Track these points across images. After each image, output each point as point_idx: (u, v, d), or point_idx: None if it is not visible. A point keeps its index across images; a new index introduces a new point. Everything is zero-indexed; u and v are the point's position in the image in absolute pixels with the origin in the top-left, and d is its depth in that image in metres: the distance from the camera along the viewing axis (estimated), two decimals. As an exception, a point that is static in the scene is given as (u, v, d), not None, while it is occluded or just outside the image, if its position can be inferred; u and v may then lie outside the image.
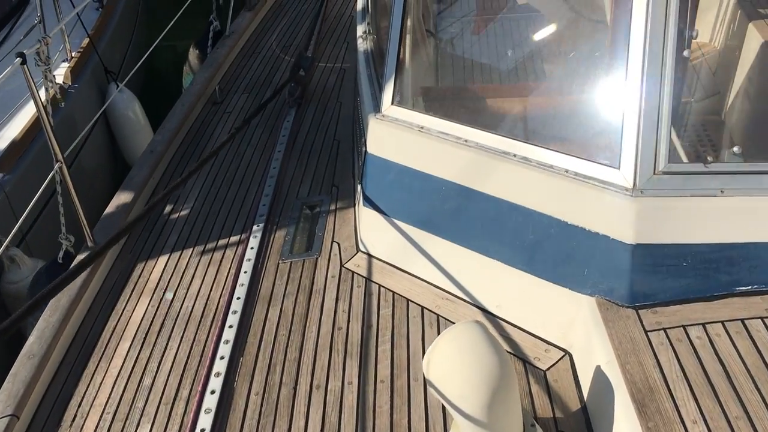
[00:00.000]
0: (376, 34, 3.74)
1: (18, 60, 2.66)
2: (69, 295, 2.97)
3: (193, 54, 5.25)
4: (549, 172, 2.42)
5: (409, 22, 3.11)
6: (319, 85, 4.41)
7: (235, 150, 3.96)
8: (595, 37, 3.01)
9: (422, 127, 2.82)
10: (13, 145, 4.50)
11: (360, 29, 3.92)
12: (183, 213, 3.53)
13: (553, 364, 2.39)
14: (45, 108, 2.89)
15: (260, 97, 4.49)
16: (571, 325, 2.38)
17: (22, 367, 2.66)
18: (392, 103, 2.96)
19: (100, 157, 5.78)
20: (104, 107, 5.58)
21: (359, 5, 4.39)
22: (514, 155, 2.53)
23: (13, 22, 6.29)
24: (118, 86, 5.73)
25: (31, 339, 2.78)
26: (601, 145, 2.44)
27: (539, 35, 3.43)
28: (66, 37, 5.51)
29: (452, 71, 3.07)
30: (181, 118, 4.15)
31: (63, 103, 3.05)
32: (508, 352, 2.47)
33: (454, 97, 2.90)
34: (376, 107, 3.03)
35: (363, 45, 3.71)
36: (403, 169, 2.87)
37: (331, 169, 3.62)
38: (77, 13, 5.60)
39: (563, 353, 2.42)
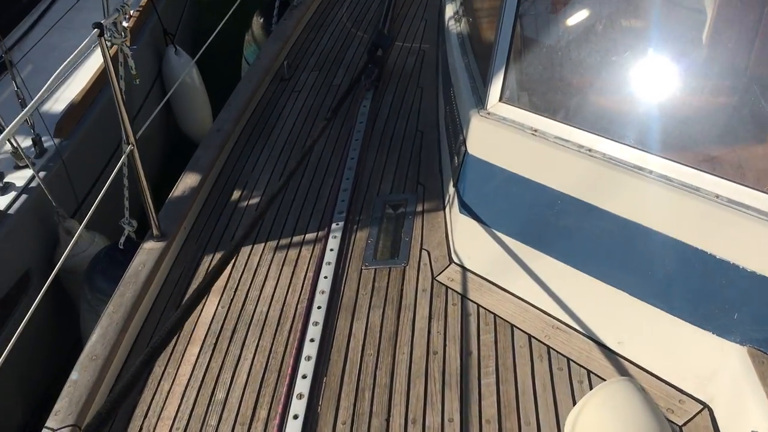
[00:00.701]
0: (471, 16, 3.38)
1: (95, 31, 2.38)
2: (134, 289, 2.73)
3: (257, 23, 4.92)
4: (694, 195, 2.09)
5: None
6: (397, 67, 4.07)
7: (306, 134, 3.66)
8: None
9: (536, 130, 2.49)
10: (72, 108, 4.26)
11: (450, 9, 3.56)
12: (252, 201, 3.26)
13: (691, 419, 2.09)
14: (119, 87, 2.61)
15: (330, 75, 4.16)
16: (714, 376, 2.07)
17: (84, 371, 2.43)
18: (500, 100, 2.63)
19: (154, 122, 5.54)
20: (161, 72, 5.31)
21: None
22: (650, 172, 2.20)
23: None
24: (176, 49, 5.47)
25: (93, 338, 2.55)
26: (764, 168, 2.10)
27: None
28: (126, -4, 5.22)
29: (567, 63, 2.72)
30: (249, 94, 3.85)
31: (138, 81, 2.77)
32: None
33: (575, 95, 2.56)
34: (479, 102, 2.70)
35: (455, 28, 3.36)
36: (510, 176, 2.55)
37: (414, 163, 3.31)
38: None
39: (701, 407, 2.12)
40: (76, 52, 2.34)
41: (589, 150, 2.36)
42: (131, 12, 5.32)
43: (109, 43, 2.56)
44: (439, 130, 3.44)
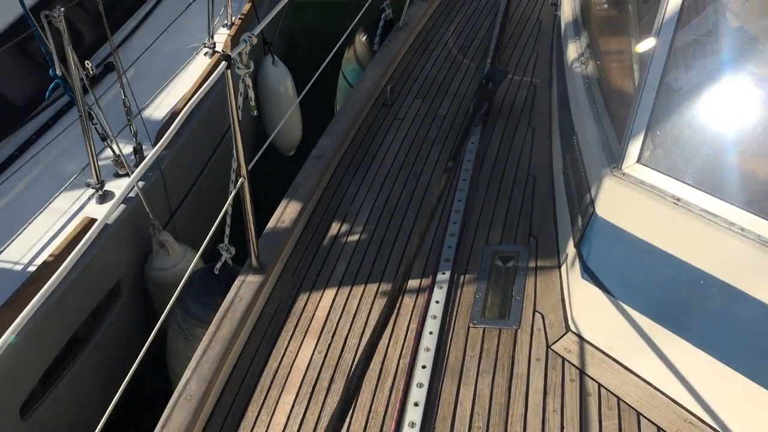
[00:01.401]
0: (600, 59, 3.16)
1: (223, 64, 2.29)
2: (230, 324, 2.64)
3: (359, 41, 4.81)
4: None
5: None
6: (506, 102, 3.88)
7: (410, 168, 3.51)
8: None
9: (679, 199, 2.26)
10: (173, 117, 4.24)
11: (572, 49, 3.35)
12: (352, 237, 3.13)
13: None
14: (238, 117, 2.53)
15: (435, 104, 4.00)
16: None
17: (178, 411, 2.34)
18: (638, 160, 2.41)
19: (246, 132, 5.54)
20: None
21: (566, 13, 3.80)
22: (819, 264, 1.95)
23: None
24: (273, 59, 5.42)
25: (187, 374, 2.47)
26: None
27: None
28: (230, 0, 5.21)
29: (720, 125, 2.47)
30: (351, 120, 3.73)
31: (256, 111, 2.68)
32: None
33: (727, 163, 2.33)
34: (611, 160, 2.49)
35: (580, 70, 3.15)
36: (644, 246, 2.33)
37: (526, 212, 3.12)
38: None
39: None
40: (205, 80, 2.26)
41: (742, 229, 2.12)
42: (233, 19, 5.31)
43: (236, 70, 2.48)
44: (553, 177, 3.23)
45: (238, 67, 2.44)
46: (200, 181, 4.35)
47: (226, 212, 3.12)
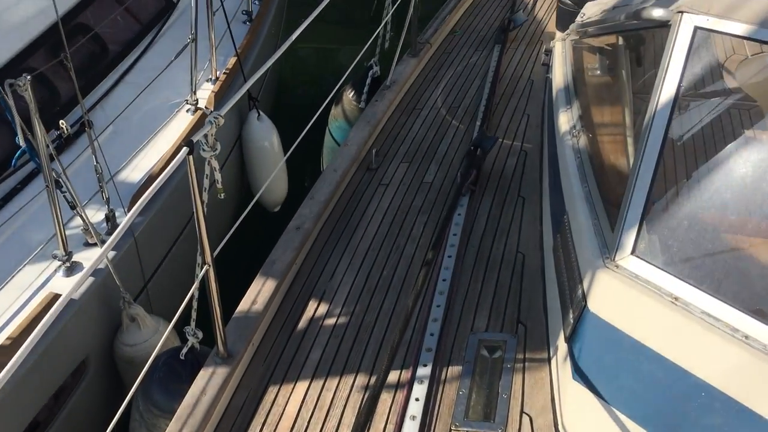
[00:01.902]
0: (592, 132, 3.01)
1: (184, 150, 2.13)
2: (192, 423, 2.43)
3: (346, 98, 4.68)
4: None
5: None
6: (496, 169, 3.72)
7: (393, 240, 3.33)
8: None
9: (677, 299, 2.08)
10: (150, 180, 4.08)
11: (563, 119, 3.20)
12: (329, 320, 2.94)
13: None
14: (202, 202, 2.36)
15: (422, 170, 3.84)
16: None
17: None
18: (633, 252, 2.23)
19: (229, 191, 5.39)
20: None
21: (557, 76, 3.67)
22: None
23: (160, 25, 5.92)
24: (258, 114, 5.29)
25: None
26: None
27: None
28: (214, 53, 5.09)
29: (724, 220, 2.30)
30: (333, 187, 3.57)
31: (222, 195, 2.51)
32: None
33: (731, 262, 2.16)
34: (603, 249, 2.32)
35: (571, 143, 3.00)
36: (640, 348, 2.14)
37: (514, 295, 2.93)
38: (228, 28, 5.20)
39: None
40: (169, 167, 2.09)
41: (746, 337, 1.94)
42: (218, 73, 5.19)
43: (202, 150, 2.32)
44: (543, 256, 3.05)
45: (203, 149, 2.28)
46: (176, 247, 4.17)
47: (192, 296, 2.94)
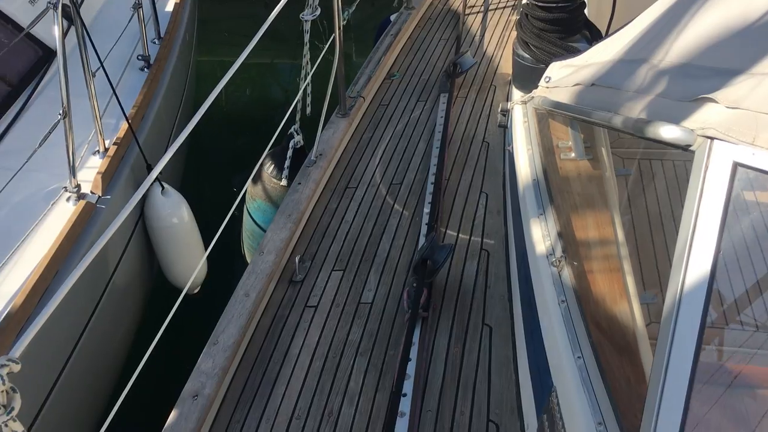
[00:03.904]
0: (575, 258, 2.25)
1: None
2: None
3: (266, 174, 3.81)
4: None
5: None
6: (452, 279, 2.92)
7: (323, 401, 2.51)
8: None
9: None
10: (11, 316, 3.16)
11: (535, 230, 2.44)
12: None
13: None
14: None
15: (359, 282, 3.01)
16: None
17: None
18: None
19: (134, 270, 4.49)
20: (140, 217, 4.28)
21: (521, 160, 2.92)
22: None
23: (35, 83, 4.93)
24: (162, 187, 4.38)
25: None
26: None
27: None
28: (99, 120, 4.16)
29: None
30: (244, 322, 2.72)
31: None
32: None
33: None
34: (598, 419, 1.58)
35: (549, 273, 2.24)
36: None
37: None
38: (114, 93, 4.28)
39: None
40: None
41: None
42: (106, 144, 4.27)
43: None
44: (522, 418, 2.28)
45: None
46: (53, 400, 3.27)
47: None
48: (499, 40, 5.06)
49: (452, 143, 3.84)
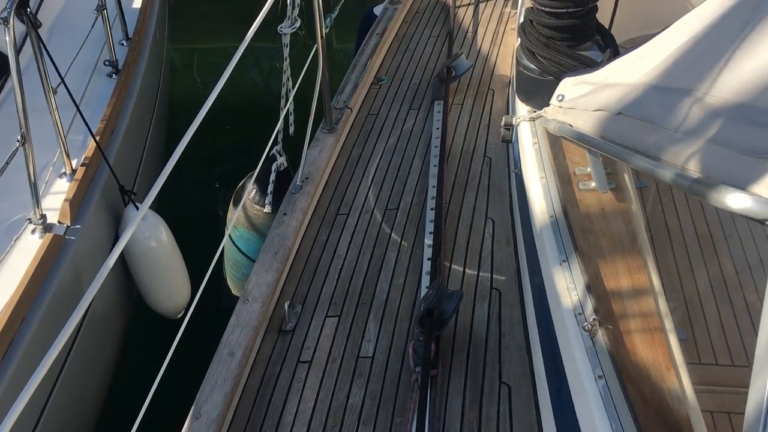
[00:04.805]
0: (610, 318, 1.97)
1: None
2: None
3: (248, 201, 3.46)
4: None
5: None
6: (461, 331, 2.59)
7: None
8: None
9: None
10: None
11: (558, 278, 2.15)
12: None
13: None
14: None
15: (357, 331, 2.69)
16: None
17: None
18: None
19: (113, 308, 4.18)
20: (120, 243, 3.96)
21: (533, 190, 2.62)
22: None
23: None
24: (138, 209, 4.03)
25: None
26: None
27: None
28: (63, 140, 3.81)
29: None
30: (229, 389, 2.41)
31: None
32: None
33: None
34: None
35: (579, 335, 1.95)
36: None
37: None
38: (79, 112, 3.92)
39: None
40: None
41: None
42: (74, 165, 3.90)
43: None
44: None
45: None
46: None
47: None
48: (494, 37, 4.71)
49: (451, 158, 3.52)
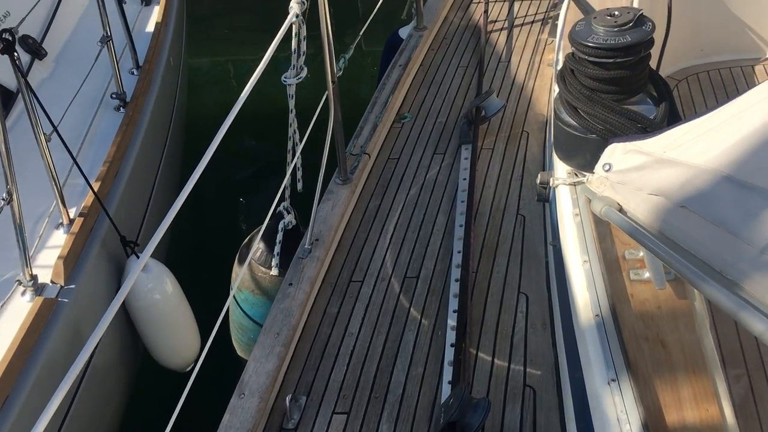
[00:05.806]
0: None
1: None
2: None
3: (252, 263, 3.14)
4: None
5: None
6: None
7: None
8: None
9: None
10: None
11: (610, 413, 1.76)
12: None
13: None
14: None
15: (370, 430, 2.35)
16: None
17: None
18: None
19: (115, 353, 3.93)
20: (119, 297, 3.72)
21: (577, 291, 2.25)
22: None
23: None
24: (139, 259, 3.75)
25: None
26: None
27: None
28: (58, 185, 3.56)
29: None
30: None
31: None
32: None
33: None
34: None
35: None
36: None
37: None
38: (74, 162, 3.65)
39: None
40: None
41: None
42: (71, 215, 3.64)
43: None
44: None
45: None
46: None
47: None
48: (529, 68, 4.30)
49: (479, 216, 3.13)
